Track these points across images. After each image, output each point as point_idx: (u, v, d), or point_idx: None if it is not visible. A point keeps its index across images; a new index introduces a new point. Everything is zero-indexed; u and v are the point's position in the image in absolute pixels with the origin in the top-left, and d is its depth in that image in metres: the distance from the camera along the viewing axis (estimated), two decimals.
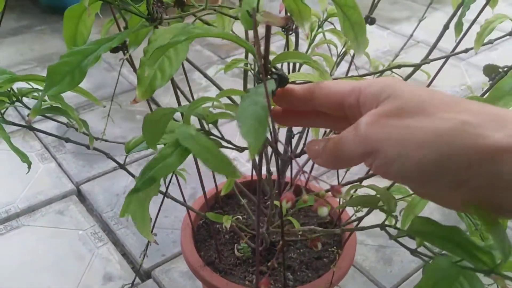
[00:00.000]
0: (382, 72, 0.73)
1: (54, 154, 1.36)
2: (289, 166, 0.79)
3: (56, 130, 1.46)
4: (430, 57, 0.62)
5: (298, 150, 0.76)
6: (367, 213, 0.68)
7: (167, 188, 0.73)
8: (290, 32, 0.65)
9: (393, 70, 0.78)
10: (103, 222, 1.17)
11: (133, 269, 1.06)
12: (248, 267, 0.78)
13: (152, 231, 0.65)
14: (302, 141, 0.77)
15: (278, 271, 0.78)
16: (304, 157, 0.76)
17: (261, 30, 0.34)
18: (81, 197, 1.24)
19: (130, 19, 0.56)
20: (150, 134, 0.44)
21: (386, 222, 0.39)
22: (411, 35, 0.86)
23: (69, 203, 1.21)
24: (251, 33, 0.48)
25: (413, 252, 0.39)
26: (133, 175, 0.63)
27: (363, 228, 0.45)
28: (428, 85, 0.72)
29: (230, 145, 0.42)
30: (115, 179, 1.28)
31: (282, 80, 0.38)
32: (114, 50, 0.60)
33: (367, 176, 0.63)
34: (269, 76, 0.37)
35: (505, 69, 0.45)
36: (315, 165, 0.80)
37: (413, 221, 0.34)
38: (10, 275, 1.02)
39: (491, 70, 0.45)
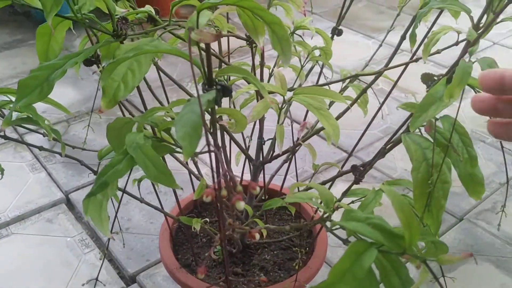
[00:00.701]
0: (349, 78, 0.77)
1: (45, 164, 1.40)
2: (261, 171, 0.82)
3: (46, 141, 1.50)
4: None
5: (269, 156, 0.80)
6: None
7: (157, 191, 0.76)
8: (254, 45, 0.69)
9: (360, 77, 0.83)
10: (91, 229, 1.20)
11: (119, 274, 1.09)
12: (223, 269, 0.82)
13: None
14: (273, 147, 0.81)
15: (251, 272, 0.81)
16: (275, 162, 0.80)
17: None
18: (70, 205, 1.28)
19: (101, 35, 0.60)
20: (115, 141, 0.48)
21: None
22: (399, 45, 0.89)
23: (58, 211, 1.25)
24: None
25: (345, 242, 0.42)
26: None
27: (314, 224, 0.49)
28: (393, 87, 0.75)
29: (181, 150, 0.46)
30: None
31: (225, 90, 0.42)
32: (87, 64, 0.64)
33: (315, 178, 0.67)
34: (214, 87, 0.41)
35: (440, 77, 0.48)
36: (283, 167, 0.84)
37: (343, 213, 0.37)
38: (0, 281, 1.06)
39: (427, 78, 0.49)
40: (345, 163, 0.83)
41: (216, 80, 0.41)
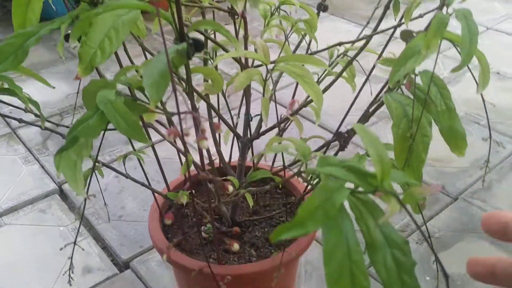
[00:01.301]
0: (333, 46, 0.77)
1: (38, 156, 1.39)
2: (250, 149, 0.82)
3: (39, 134, 1.49)
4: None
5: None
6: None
7: (145, 168, 0.76)
8: (236, 17, 0.69)
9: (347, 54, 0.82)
10: (84, 218, 1.20)
11: (113, 262, 1.09)
12: (213, 247, 0.81)
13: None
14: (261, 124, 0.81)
15: (242, 249, 0.81)
16: (263, 138, 0.80)
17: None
18: (63, 195, 1.28)
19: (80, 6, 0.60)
20: (91, 105, 0.47)
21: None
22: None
23: (51, 202, 1.24)
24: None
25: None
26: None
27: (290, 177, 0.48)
28: (378, 58, 0.75)
29: (158, 110, 0.45)
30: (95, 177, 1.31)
31: (197, 45, 0.41)
32: (66, 38, 0.64)
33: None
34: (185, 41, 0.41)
35: (419, 33, 0.48)
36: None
37: (318, 160, 0.37)
38: None
39: (406, 35, 0.49)
40: (332, 141, 0.83)
41: (188, 34, 0.41)
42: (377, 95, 0.54)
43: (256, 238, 0.82)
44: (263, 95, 0.70)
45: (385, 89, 0.52)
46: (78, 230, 0.89)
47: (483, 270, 0.36)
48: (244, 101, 0.78)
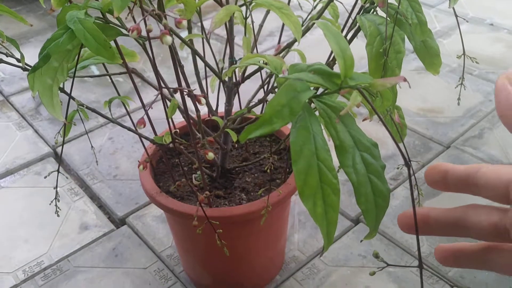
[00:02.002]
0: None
1: (31, 122, 1.40)
2: (236, 95, 0.82)
3: (32, 101, 1.50)
4: None
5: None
6: None
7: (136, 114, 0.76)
8: None
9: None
10: (79, 179, 1.21)
11: (109, 219, 1.10)
12: (205, 192, 0.82)
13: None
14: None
15: (233, 194, 0.82)
16: (248, 82, 0.80)
17: None
18: (58, 158, 1.28)
19: None
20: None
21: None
22: None
23: (47, 164, 1.25)
24: None
25: None
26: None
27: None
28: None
29: (125, 32, 0.45)
30: (91, 140, 1.32)
31: None
32: None
33: None
34: None
35: None
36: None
37: (289, 68, 0.37)
38: None
39: None
40: None
41: None
42: (350, 15, 0.54)
43: (246, 183, 0.83)
44: (245, 34, 0.70)
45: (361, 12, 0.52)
46: (61, 152, 0.90)
47: (418, 221, 0.34)
48: (227, 46, 0.78)
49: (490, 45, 1.67)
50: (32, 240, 1.05)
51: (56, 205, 0.65)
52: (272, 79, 0.83)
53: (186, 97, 0.56)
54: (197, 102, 0.42)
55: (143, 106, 0.77)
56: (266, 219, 0.79)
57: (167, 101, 0.80)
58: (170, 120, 0.80)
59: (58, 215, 0.70)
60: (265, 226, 0.83)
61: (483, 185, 0.31)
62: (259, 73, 0.78)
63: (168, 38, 0.33)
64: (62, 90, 0.60)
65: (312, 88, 0.33)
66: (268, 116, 0.32)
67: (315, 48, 1.24)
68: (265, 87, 0.83)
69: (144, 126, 0.40)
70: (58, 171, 0.63)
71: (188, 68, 0.84)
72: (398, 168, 1.17)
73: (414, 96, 1.43)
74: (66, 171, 1.24)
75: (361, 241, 1.00)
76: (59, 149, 1.30)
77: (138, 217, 1.09)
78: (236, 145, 0.92)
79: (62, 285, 0.95)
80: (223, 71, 0.83)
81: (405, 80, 0.30)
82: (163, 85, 0.78)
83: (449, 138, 1.27)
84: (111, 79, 0.81)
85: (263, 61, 0.42)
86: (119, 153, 1.27)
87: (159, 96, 0.50)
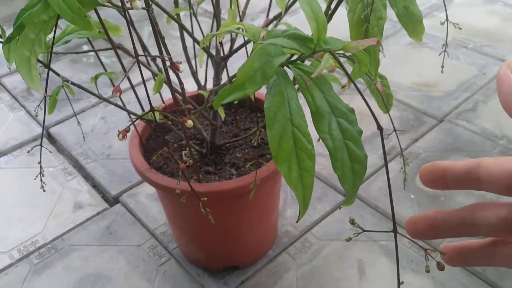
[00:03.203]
0: None
1: (23, 103, 1.39)
2: (224, 69, 0.81)
3: (23, 82, 1.48)
4: None
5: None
6: None
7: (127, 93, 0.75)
8: None
9: None
10: (73, 159, 1.21)
11: (103, 198, 1.10)
12: (194, 170, 0.82)
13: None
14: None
15: (223, 170, 0.82)
16: (236, 55, 0.79)
17: None
18: (51, 139, 1.28)
19: None
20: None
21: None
22: None
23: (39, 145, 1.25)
24: None
25: None
26: None
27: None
28: None
29: (108, 4, 0.44)
30: (83, 120, 1.32)
31: None
32: None
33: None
34: None
35: None
36: None
37: (265, 35, 0.36)
38: None
39: None
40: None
41: None
42: None
43: (236, 159, 0.83)
44: (230, 7, 0.69)
45: None
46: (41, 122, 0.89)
47: (423, 226, 0.34)
48: (214, 21, 0.77)
49: (485, 18, 1.66)
50: (26, 219, 1.05)
51: (41, 180, 0.64)
52: None
53: (170, 70, 0.56)
54: (176, 70, 0.41)
55: (130, 82, 0.76)
56: (257, 194, 0.79)
57: (155, 76, 0.80)
58: (158, 96, 0.79)
59: (44, 190, 0.69)
60: (256, 201, 0.83)
61: (485, 179, 0.30)
62: (247, 51, 0.78)
63: (138, 3, 0.33)
64: (44, 65, 0.59)
65: (288, 55, 0.32)
66: (240, 81, 0.31)
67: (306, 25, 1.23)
68: None
69: (120, 94, 0.40)
70: (41, 145, 0.62)
71: (179, 48, 0.83)
72: (386, 138, 1.17)
73: (408, 71, 1.42)
74: (59, 151, 1.24)
75: (340, 208, 1.01)
76: (51, 130, 1.30)
77: (131, 195, 1.09)
78: (227, 122, 0.92)
79: (57, 263, 0.96)
80: (210, 46, 0.82)
81: (378, 42, 0.30)
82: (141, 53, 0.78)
83: (443, 112, 1.27)
84: (97, 56, 0.80)
85: (242, 28, 0.41)
86: (112, 132, 1.26)
87: (148, 71, 0.49)
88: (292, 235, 0.98)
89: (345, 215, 1.01)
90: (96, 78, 0.73)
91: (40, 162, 0.63)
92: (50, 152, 1.22)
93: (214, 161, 0.84)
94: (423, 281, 0.88)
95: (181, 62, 0.44)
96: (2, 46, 0.43)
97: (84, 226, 1.03)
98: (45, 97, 0.51)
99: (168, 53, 0.70)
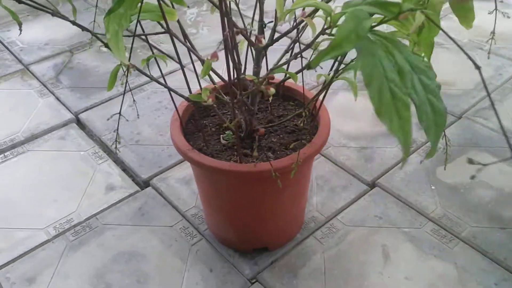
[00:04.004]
0: None
1: (52, 90, 1.43)
2: (264, 57, 0.85)
3: (52, 69, 1.53)
4: None
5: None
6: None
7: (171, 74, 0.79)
8: None
9: None
10: (102, 144, 1.25)
11: (133, 181, 1.14)
12: (233, 152, 0.86)
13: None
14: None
15: (261, 153, 0.85)
16: (277, 45, 0.83)
17: None
18: (81, 124, 1.32)
19: None
20: None
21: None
22: None
23: (70, 130, 1.29)
24: None
25: None
26: None
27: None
28: None
29: None
30: (111, 107, 1.36)
31: None
32: None
33: None
34: None
35: None
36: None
37: (342, 6, 0.40)
38: (20, 191, 1.11)
39: None
40: None
41: None
42: None
43: (272, 143, 0.87)
44: None
45: None
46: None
47: None
48: (257, 8, 0.81)
49: (500, 22, 1.70)
50: (60, 199, 1.09)
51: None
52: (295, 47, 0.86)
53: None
54: (259, 43, 0.45)
55: (181, 65, 0.80)
56: (293, 176, 0.83)
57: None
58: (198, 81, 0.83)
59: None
60: (291, 183, 0.87)
61: None
62: (279, 46, 0.81)
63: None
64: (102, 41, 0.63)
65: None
66: (338, 41, 0.35)
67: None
68: (290, 52, 0.87)
69: (217, 59, 0.43)
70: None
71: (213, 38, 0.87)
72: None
73: None
74: (89, 136, 1.28)
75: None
76: (81, 116, 1.33)
77: (161, 179, 1.13)
78: (261, 109, 0.96)
79: (92, 240, 0.99)
80: (252, 34, 0.86)
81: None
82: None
83: (461, 109, 1.31)
84: (147, 41, 0.84)
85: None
86: (141, 119, 1.30)
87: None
88: (318, 221, 1.02)
89: (369, 203, 1.05)
90: (148, 60, 0.76)
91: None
92: (86, 135, 1.26)
93: (250, 145, 0.88)
94: (446, 267, 0.92)
95: (263, 36, 0.48)
96: (104, 17, 0.46)
97: (117, 207, 1.07)
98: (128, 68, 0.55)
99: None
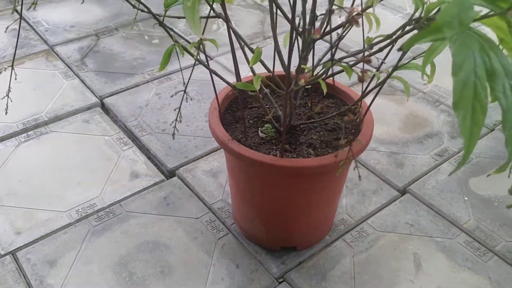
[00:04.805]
0: None
1: (77, 72, 1.41)
2: (312, 50, 0.83)
3: (77, 52, 1.50)
4: None
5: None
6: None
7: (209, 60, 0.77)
8: None
9: None
10: (127, 130, 1.22)
11: (159, 170, 1.12)
12: (271, 145, 0.83)
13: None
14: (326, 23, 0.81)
15: (300, 149, 0.83)
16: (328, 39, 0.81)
17: None
18: (105, 109, 1.30)
19: None
20: None
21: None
22: None
23: (94, 113, 1.27)
24: None
25: None
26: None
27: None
28: None
29: None
30: (137, 94, 1.33)
31: None
32: None
33: None
34: None
35: None
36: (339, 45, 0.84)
37: None
38: (42, 172, 1.09)
39: None
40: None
41: None
42: None
43: (312, 140, 0.85)
44: None
45: None
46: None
47: None
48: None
49: None
50: (84, 183, 1.06)
51: None
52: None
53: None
54: (355, 23, 0.42)
55: (233, 51, 0.78)
56: (332, 175, 0.81)
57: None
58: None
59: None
60: (329, 182, 0.84)
61: None
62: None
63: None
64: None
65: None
66: (438, 24, 0.33)
67: None
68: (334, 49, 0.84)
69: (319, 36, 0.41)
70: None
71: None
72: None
73: None
74: (113, 121, 1.25)
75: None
76: (106, 100, 1.31)
77: (188, 170, 1.10)
78: (300, 104, 0.94)
79: (116, 227, 0.97)
80: (300, 26, 0.84)
81: None
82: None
83: (493, 121, 1.28)
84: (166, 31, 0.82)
85: None
86: (167, 108, 1.28)
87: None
88: (348, 224, 0.99)
89: (400, 210, 1.03)
90: (199, 44, 0.74)
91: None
92: (111, 120, 1.24)
93: (289, 140, 0.86)
94: (479, 280, 0.89)
95: (360, 16, 0.45)
96: None
97: (141, 195, 1.04)
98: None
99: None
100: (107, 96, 1.32)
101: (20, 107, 1.26)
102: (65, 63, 1.44)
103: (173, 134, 0.78)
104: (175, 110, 0.83)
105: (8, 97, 0.73)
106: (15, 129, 1.19)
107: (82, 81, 1.37)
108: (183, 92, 0.72)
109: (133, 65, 1.44)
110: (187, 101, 1.27)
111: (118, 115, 1.26)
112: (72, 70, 1.42)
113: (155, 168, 1.11)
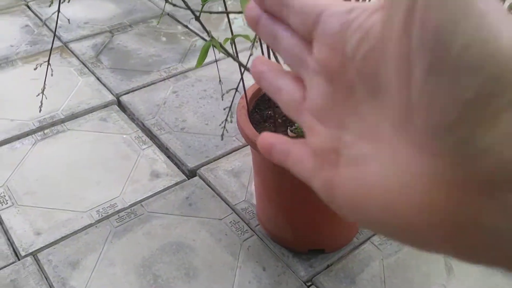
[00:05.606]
0: None
1: (93, 69, 1.38)
2: None
3: (91, 49, 1.48)
4: None
5: None
6: None
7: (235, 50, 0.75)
8: None
9: None
10: (145, 128, 1.20)
11: (179, 169, 1.09)
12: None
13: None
14: None
15: None
16: None
17: None
18: (122, 107, 1.27)
19: None
20: None
21: None
22: None
23: (111, 111, 1.24)
24: None
25: None
26: None
27: None
28: None
29: None
30: (154, 92, 1.31)
31: None
32: None
33: None
34: None
35: None
36: None
37: None
38: (60, 171, 1.06)
39: None
40: None
41: None
42: None
43: None
44: None
45: None
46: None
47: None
48: None
49: None
50: (103, 182, 1.04)
51: None
52: None
53: None
54: None
55: (261, 47, 0.75)
56: None
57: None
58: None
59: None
60: None
61: (295, 6, 0.22)
62: None
63: None
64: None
65: None
66: None
67: None
68: None
69: None
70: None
71: None
72: None
73: None
74: (130, 119, 1.23)
75: None
76: (122, 98, 1.29)
77: (209, 169, 1.08)
78: None
79: (137, 228, 0.95)
80: None
81: None
82: None
83: None
84: (187, 27, 0.79)
85: None
86: (185, 107, 1.25)
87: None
88: None
89: None
90: (232, 39, 0.71)
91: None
92: (128, 118, 1.21)
93: None
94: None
95: None
96: None
97: (163, 195, 1.02)
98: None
99: None
100: (124, 94, 1.30)
101: (36, 104, 1.23)
102: (80, 60, 1.42)
103: (222, 135, 0.76)
104: (224, 109, 0.81)
105: (43, 94, 0.71)
106: (32, 127, 1.17)
107: (98, 78, 1.35)
108: (234, 90, 0.69)
109: (149, 62, 1.41)
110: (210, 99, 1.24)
111: (135, 113, 1.24)
112: (87, 67, 1.39)
113: (175, 168, 1.09)
